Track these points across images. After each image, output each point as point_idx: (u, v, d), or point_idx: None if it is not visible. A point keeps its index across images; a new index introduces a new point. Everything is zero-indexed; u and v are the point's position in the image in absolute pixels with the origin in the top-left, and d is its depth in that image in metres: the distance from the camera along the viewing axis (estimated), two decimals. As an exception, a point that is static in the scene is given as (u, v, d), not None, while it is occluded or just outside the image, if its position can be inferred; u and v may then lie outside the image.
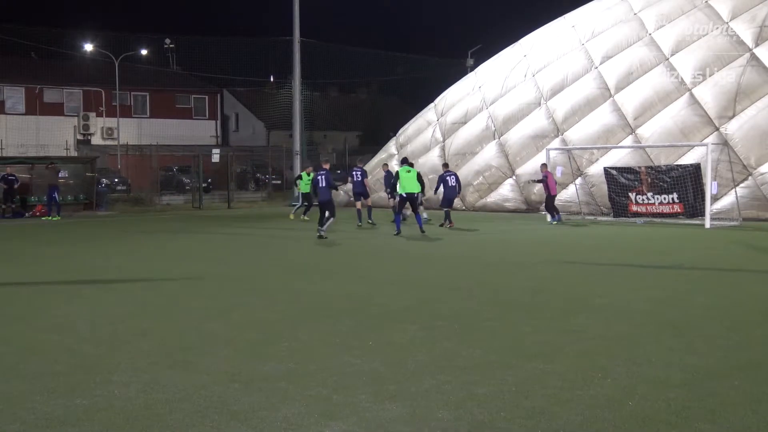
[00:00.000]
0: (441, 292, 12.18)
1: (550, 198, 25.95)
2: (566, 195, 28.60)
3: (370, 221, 25.34)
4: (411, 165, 22.99)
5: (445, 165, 26.57)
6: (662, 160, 27.00)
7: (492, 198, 31.64)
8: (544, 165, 26.63)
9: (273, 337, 8.93)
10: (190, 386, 6.95)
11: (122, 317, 10.29)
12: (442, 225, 23.92)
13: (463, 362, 7.71)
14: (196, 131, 61.67)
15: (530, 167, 30.78)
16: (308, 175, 26.62)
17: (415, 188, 22.09)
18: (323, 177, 21.08)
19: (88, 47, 58.50)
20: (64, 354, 8.23)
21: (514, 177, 31.58)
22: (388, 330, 9.22)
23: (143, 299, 11.79)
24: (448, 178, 24.65)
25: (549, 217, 25.69)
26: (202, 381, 7.11)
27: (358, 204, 25.62)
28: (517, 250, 18.26)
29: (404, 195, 22.08)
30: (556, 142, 30.33)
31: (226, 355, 8.11)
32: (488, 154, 32.58)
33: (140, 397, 6.65)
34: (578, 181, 28.91)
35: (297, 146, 41.50)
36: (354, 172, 26.09)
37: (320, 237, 20.41)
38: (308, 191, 25.99)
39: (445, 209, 24.43)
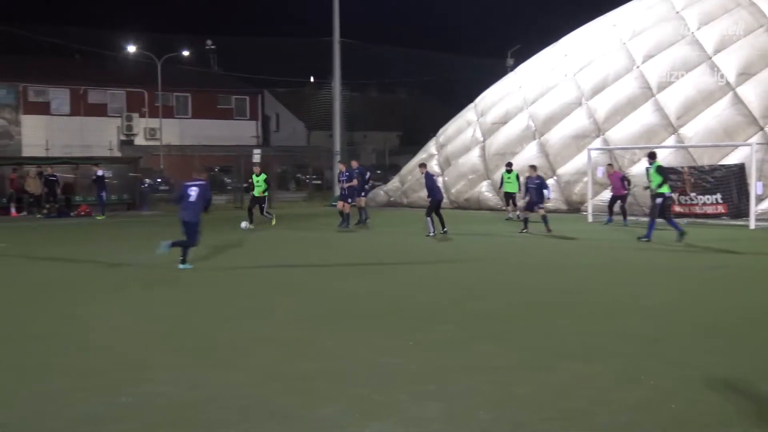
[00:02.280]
0: (479, 292, 12.16)
1: (612, 198, 25.67)
2: (608, 195, 28.37)
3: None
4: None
5: (533, 167, 24.12)
6: (705, 160, 26.65)
7: (532, 198, 31.44)
8: (610, 165, 26.54)
9: (313, 336, 8.98)
10: (231, 385, 7.01)
11: (165, 316, 10.41)
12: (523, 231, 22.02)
13: (502, 363, 7.69)
14: (237, 131, 62.05)
15: (571, 167, 30.58)
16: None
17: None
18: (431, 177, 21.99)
19: (132, 49, 59.16)
20: (108, 352, 8.34)
21: (554, 177, 31.34)
22: (427, 330, 9.23)
23: (186, 298, 11.90)
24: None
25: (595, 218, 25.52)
26: (243, 380, 7.18)
27: None
28: (558, 250, 18.15)
29: (669, 194, 19.40)
30: (597, 142, 30.08)
31: (267, 354, 8.17)
32: (529, 154, 32.37)
33: (182, 395, 6.72)
34: (620, 181, 28.68)
35: (337, 146, 41.62)
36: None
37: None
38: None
39: (528, 213, 22.66)
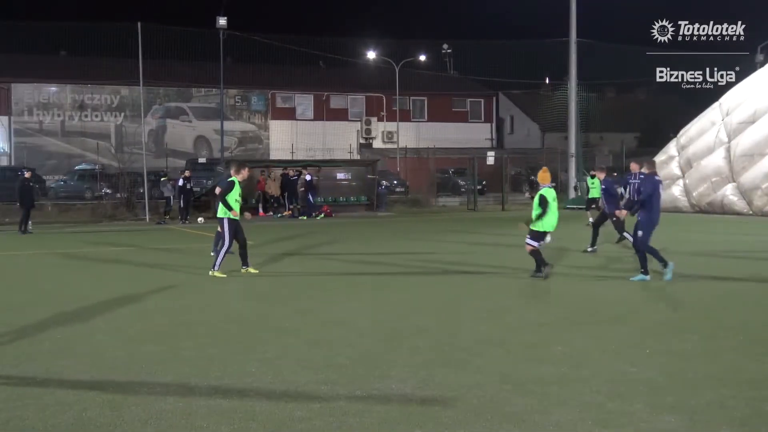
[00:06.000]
0: (722, 300, 11.55)
1: None
2: None
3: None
4: None
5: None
6: None
7: (783, 202, 29.49)
8: None
9: (546, 340, 8.90)
10: (463, 385, 7.09)
11: (400, 315, 10.67)
12: None
13: (749, 376, 7.28)
14: (472, 134, 62.56)
15: (828, 169, 28.42)
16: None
17: None
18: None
19: (371, 55, 61.11)
20: (346, 348, 8.66)
21: (808, 180, 29.27)
22: (666, 338, 8.89)
23: (420, 297, 12.14)
24: None
25: None
26: (476, 380, 7.23)
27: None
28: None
29: None
30: None
31: (499, 357, 8.18)
32: (779, 155, 30.43)
33: (416, 393, 6.87)
34: None
35: (572, 148, 40.96)
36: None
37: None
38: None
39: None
